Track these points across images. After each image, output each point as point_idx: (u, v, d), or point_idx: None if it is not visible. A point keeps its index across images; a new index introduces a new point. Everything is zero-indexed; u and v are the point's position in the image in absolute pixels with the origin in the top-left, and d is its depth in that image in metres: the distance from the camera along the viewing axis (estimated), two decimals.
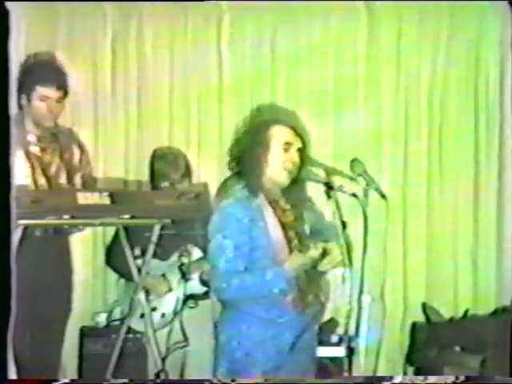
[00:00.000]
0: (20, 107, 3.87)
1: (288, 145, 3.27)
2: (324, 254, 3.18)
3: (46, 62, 4.10)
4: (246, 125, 3.42)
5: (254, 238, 3.19)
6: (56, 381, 3.57)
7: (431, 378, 3.40)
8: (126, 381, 3.59)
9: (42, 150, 3.91)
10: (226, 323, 3.28)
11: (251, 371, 3.19)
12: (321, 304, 3.35)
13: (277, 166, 3.25)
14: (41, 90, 3.83)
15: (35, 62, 4.03)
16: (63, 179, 3.96)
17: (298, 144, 3.31)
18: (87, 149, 4.22)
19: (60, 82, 3.91)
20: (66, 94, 3.95)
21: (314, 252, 3.14)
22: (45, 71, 3.92)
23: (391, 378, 3.52)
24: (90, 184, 4.09)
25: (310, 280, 3.27)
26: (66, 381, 3.80)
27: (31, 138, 3.88)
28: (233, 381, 3.15)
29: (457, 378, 3.35)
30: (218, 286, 3.21)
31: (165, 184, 4.28)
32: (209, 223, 3.27)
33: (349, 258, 3.17)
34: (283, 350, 3.21)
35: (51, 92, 3.85)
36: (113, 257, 4.38)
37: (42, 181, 3.85)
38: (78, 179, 4.03)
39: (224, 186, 3.34)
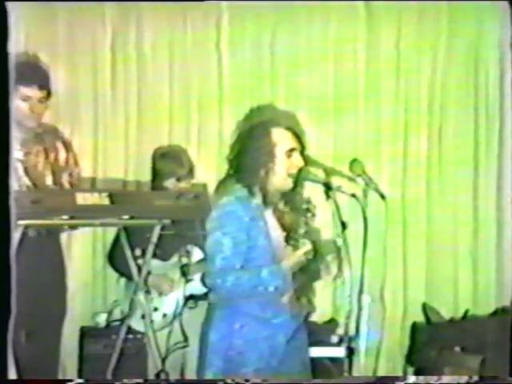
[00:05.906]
0: None
1: (292, 151, 3.25)
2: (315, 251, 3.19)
3: (28, 62, 4.08)
4: (243, 127, 3.40)
5: (252, 237, 3.17)
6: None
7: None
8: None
9: (26, 153, 3.89)
10: (219, 321, 3.22)
11: (243, 370, 3.15)
12: (312, 307, 3.35)
13: (282, 174, 3.23)
14: (23, 90, 3.82)
15: (17, 62, 4.01)
16: (49, 181, 3.94)
17: (299, 147, 3.29)
18: (74, 149, 4.15)
19: (42, 81, 3.88)
20: (49, 94, 3.92)
21: (306, 249, 3.15)
22: (27, 71, 3.89)
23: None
24: (78, 185, 4.05)
25: (305, 282, 3.27)
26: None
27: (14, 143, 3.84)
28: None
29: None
30: (213, 282, 3.17)
31: (170, 182, 4.29)
32: (208, 219, 3.24)
33: (348, 259, 3.17)
34: (277, 351, 3.19)
35: (33, 92, 3.82)
36: (114, 257, 4.38)
37: (27, 184, 3.83)
38: (64, 179, 4.00)
39: (223, 184, 3.32)
